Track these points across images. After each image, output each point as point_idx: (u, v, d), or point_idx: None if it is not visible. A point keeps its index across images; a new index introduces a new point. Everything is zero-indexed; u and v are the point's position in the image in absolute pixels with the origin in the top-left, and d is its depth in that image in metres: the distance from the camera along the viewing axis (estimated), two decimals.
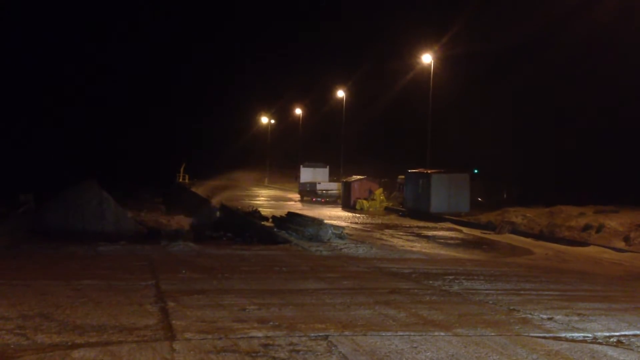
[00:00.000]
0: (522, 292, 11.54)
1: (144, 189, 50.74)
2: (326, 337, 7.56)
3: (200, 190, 54.98)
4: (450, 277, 12.88)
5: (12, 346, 6.85)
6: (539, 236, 25.41)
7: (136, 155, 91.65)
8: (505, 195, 41.66)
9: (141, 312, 8.65)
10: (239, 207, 35.05)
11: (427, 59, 43.31)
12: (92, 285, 10.56)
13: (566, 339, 7.86)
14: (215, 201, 39.14)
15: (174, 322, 8.09)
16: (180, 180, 73.45)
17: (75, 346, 6.88)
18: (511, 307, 9.83)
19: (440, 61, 43.74)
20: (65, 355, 6.56)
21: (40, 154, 79.30)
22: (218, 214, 32.73)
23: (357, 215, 36.79)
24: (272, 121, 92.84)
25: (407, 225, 30.31)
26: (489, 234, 27.04)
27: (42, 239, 19.72)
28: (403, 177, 41.36)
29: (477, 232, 27.76)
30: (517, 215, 28.93)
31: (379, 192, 42.39)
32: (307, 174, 53.17)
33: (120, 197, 28.51)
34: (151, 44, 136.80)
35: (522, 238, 25.54)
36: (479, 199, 39.74)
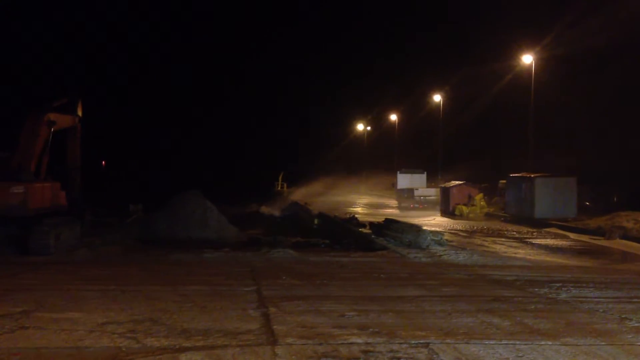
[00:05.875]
0: (635, 300, 10.94)
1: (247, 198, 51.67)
2: (427, 345, 7.46)
3: (297, 197, 55.73)
4: (557, 284, 12.39)
5: (123, 349, 7.19)
6: None
7: (236, 165, 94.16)
8: (615, 199, 39.59)
9: (244, 317, 8.86)
10: (336, 214, 35.23)
11: (527, 59, 42.00)
12: (198, 291, 10.93)
13: None
14: (312, 208, 39.55)
15: (275, 327, 8.24)
16: (279, 188, 74.77)
17: (182, 349, 7.14)
18: (623, 316, 9.35)
19: (540, 62, 42.28)
20: (173, 358, 6.83)
21: (149, 166, 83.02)
22: (316, 221, 33.03)
23: (457, 221, 36.10)
24: (368, 128, 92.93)
25: (510, 231, 29.43)
26: (598, 239, 25.79)
27: (150, 246, 20.59)
28: (504, 181, 40.20)
29: (585, 238, 26.55)
30: (629, 220, 27.42)
31: (479, 198, 41.39)
32: (404, 180, 52.72)
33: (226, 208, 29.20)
34: (254, 55, 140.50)
35: (634, 244, 24.18)
36: (587, 203, 38.00)
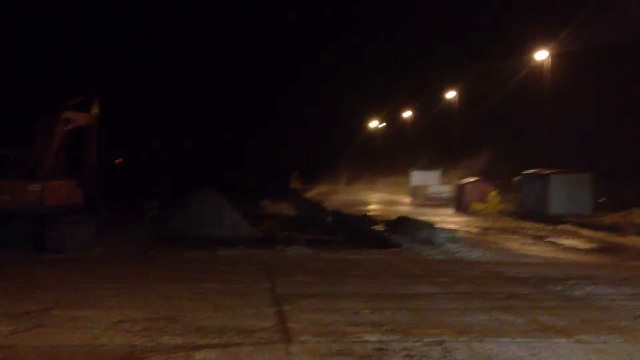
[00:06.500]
0: None
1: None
2: (441, 343, 7.47)
3: (311, 195, 55.82)
4: (572, 281, 12.34)
5: (138, 347, 7.27)
6: None
7: (251, 163, 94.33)
8: (630, 195, 39.31)
9: (258, 315, 8.91)
10: (351, 212, 35.24)
11: (542, 55, 41.81)
12: (212, 289, 11.00)
13: None
14: (326, 206, 39.58)
15: (289, 325, 8.28)
16: (293, 186, 74.90)
17: (197, 347, 7.20)
18: (638, 313, 9.31)
19: (554, 58, 42.05)
20: (188, 356, 6.89)
21: (164, 164, 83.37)
22: (330, 218, 33.04)
23: (471, 218, 35.99)
24: (383, 124, 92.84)
25: (524, 228, 29.31)
26: (613, 236, 25.61)
27: (165, 244, 20.71)
28: (518, 178, 40.07)
29: (600, 235, 26.38)
30: None
31: (493, 194, 41.24)
32: (418, 177, 52.70)
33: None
34: (262, 51, 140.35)
35: None
36: (602, 200, 37.77)
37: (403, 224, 22.72)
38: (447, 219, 33.61)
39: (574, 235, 26.63)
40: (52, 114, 19.75)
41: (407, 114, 79.81)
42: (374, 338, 7.64)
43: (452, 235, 20.67)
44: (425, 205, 46.80)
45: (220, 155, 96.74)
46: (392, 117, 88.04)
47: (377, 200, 55.69)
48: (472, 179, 43.46)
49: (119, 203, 30.30)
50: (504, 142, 60.22)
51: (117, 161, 72.03)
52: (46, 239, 16.82)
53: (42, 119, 19.63)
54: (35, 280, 12.07)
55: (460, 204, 42.45)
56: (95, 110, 22.80)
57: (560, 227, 29.78)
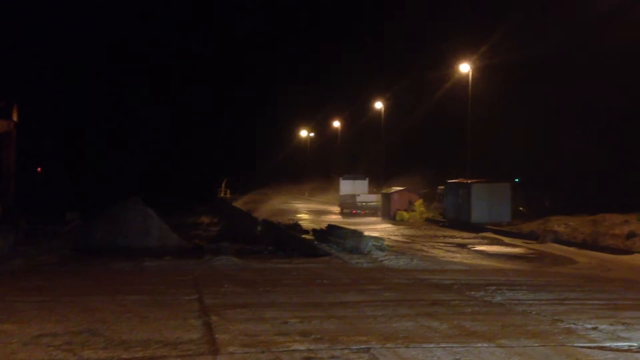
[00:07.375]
0: (566, 301, 11.36)
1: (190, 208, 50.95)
2: (368, 350, 7.57)
3: (240, 204, 55.49)
4: (493, 287, 12.75)
5: None
6: (582, 245, 24.96)
7: (178, 172, 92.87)
8: (547, 204, 40.99)
9: (185, 326, 8.78)
10: (280, 221, 35.25)
11: (465, 68, 43.13)
12: (138, 301, 10.76)
13: (611, 349, 7.73)
14: (256, 215, 39.46)
15: (217, 336, 8.20)
16: (222, 195, 74.24)
17: None
18: (555, 317, 9.69)
19: (479, 70, 43.49)
20: None
21: (87, 173, 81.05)
22: (259, 228, 32.95)
23: (397, 226, 36.64)
24: (312, 134, 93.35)
25: (448, 236, 30.07)
26: (531, 243, 26.62)
27: (88, 256, 20.15)
28: (443, 187, 41.11)
29: (519, 242, 27.38)
30: (560, 224, 28.49)
31: (418, 203, 42.15)
32: (346, 187, 53.22)
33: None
34: (195, 56, 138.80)
35: (565, 247, 25.09)
36: (521, 208, 39.22)
37: (332, 233, 22.90)
38: (375, 227, 34.07)
39: (495, 242, 27.54)
40: None
41: (336, 124, 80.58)
42: (302, 347, 7.66)
43: (379, 244, 21.00)
44: (354, 214, 47.31)
45: (147, 164, 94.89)
46: (321, 127, 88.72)
47: (307, 210, 55.85)
48: (398, 188, 44.31)
49: (39, 213, 29.26)
50: (430, 152, 61.68)
51: (38, 170, 69.55)
52: None
53: None
54: None
55: (387, 212, 43.17)
56: (14, 117, 22.04)
57: (482, 234, 30.71)
